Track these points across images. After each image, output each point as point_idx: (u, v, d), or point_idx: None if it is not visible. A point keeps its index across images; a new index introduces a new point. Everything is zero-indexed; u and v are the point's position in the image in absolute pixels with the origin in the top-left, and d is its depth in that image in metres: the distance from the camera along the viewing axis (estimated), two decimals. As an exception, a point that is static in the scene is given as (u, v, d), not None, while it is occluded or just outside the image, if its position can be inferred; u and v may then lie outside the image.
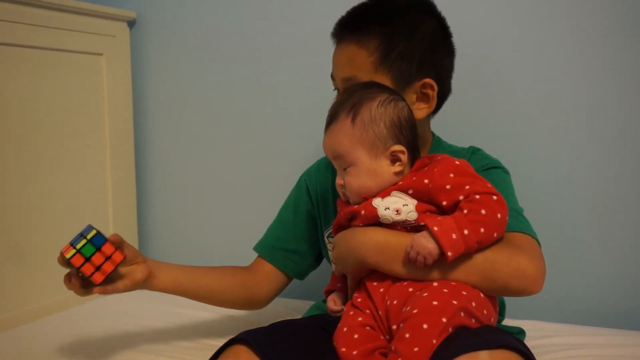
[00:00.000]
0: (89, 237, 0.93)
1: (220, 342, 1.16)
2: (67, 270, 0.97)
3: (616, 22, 1.25)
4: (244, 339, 0.82)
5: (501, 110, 1.35)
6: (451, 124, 1.23)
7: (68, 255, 0.92)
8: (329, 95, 1.10)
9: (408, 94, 1.02)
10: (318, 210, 1.18)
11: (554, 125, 1.32)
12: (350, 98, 0.93)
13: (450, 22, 1.09)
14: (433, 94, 1.02)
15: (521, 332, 1.11)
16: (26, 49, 1.35)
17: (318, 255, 1.21)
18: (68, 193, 1.47)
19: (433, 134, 1.13)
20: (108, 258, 0.94)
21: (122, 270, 0.99)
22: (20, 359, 1.11)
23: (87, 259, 0.93)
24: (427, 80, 1.02)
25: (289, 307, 1.41)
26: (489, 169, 1.04)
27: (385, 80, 1.01)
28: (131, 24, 1.65)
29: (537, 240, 0.95)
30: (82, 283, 0.96)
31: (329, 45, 1.10)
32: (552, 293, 1.09)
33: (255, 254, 1.21)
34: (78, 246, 0.92)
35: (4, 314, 1.33)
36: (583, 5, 1.27)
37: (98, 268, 0.94)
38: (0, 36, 1.29)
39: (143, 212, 1.74)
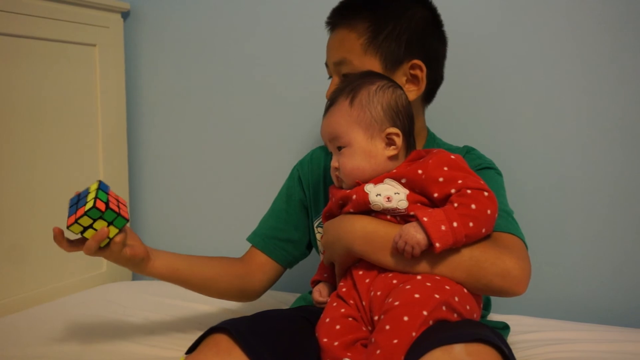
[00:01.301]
0: (94, 186, 0.93)
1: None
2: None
3: (615, 20, 1.25)
4: (224, 327, 0.82)
5: (497, 110, 1.35)
6: (447, 123, 1.24)
7: (90, 204, 0.89)
8: (325, 90, 1.10)
9: (397, 75, 1.04)
10: (309, 200, 1.18)
11: (549, 125, 1.31)
12: (350, 83, 0.95)
13: (446, 19, 1.10)
14: (422, 75, 1.04)
15: (506, 327, 1.12)
16: (19, 39, 1.35)
17: (309, 244, 1.22)
18: (59, 184, 1.46)
19: (428, 130, 1.14)
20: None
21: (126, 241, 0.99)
22: (13, 346, 1.11)
23: (107, 202, 0.91)
24: (416, 61, 1.04)
25: (278, 300, 1.42)
26: (482, 169, 1.05)
27: (374, 61, 1.03)
28: (125, 15, 1.65)
29: (524, 242, 0.95)
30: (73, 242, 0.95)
31: (325, 39, 1.11)
32: (537, 289, 1.09)
33: (249, 246, 1.21)
34: (92, 194, 0.91)
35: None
36: (580, 3, 1.27)
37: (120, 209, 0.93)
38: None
39: (135, 204, 1.74)
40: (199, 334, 1.16)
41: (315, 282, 1.04)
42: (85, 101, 1.54)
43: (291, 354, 0.83)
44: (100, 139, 1.57)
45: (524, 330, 1.17)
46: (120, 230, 0.94)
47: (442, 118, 1.24)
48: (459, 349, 0.73)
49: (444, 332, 0.77)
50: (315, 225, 1.17)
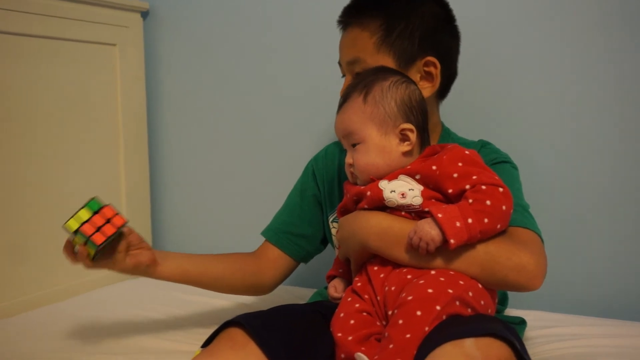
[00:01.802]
0: (88, 202, 0.95)
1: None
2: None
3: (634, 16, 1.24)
4: (239, 322, 0.84)
5: (512, 104, 1.34)
6: (460, 117, 1.24)
7: (66, 222, 0.92)
8: (338, 87, 1.10)
9: (411, 73, 1.04)
10: (324, 195, 1.19)
11: (561, 119, 1.31)
12: (363, 80, 0.96)
13: (457, 12, 1.10)
14: (436, 72, 1.04)
15: (522, 322, 1.12)
16: (40, 39, 1.37)
17: (323, 239, 1.23)
18: (81, 184, 1.48)
19: (442, 125, 1.14)
20: (108, 221, 0.94)
21: (128, 253, 1.01)
22: (32, 342, 1.13)
23: (86, 221, 0.93)
24: (430, 58, 1.04)
25: (295, 295, 1.43)
26: (498, 163, 1.04)
27: (387, 59, 1.04)
28: (144, 14, 1.67)
29: (540, 237, 0.95)
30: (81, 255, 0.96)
31: (337, 36, 1.12)
32: (554, 283, 1.09)
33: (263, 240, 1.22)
34: (78, 211, 0.93)
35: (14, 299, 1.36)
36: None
37: (98, 229, 0.93)
38: (14, 26, 1.31)
39: (156, 203, 1.76)
40: (214, 328, 1.19)
41: (330, 278, 1.05)
42: (106, 100, 1.56)
43: (305, 349, 0.84)
44: (121, 138, 1.59)
45: (542, 325, 1.17)
46: (103, 245, 0.94)
47: (455, 112, 1.23)
48: (469, 343, 0.74)
49: (455, 326, 0.78)
50: (331, 220, 1.18)
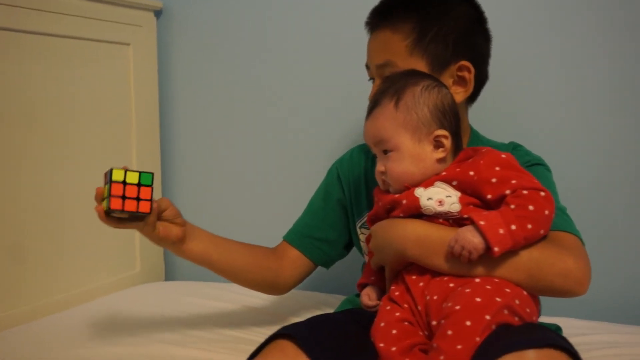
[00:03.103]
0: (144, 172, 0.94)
1: (242, 334, 1.18)
2: None
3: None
4: (288, 333, 0.81)
5: (539, 105, 1.33)
6: (486, 119, 1.21)
7: (115, 169, 0.91)
8: (360, 90, 1.08)
9: (444, 77, 1.01)
10: (350, 199, 1.16)
11: (590, 122, 1.29)
12: (393, 85, 0.92)
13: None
14: (470, 76, 1.02)
15: (558, 329, 1.09)
16: (54, 38, 1.34)
17: (347, 244, 1.20)
18: (93, 183, 1.45)
19: (471, 128, 1.12)
20: (139, 200, 0.93)
21: (161, 223, 0.99)
22: (49, 348, 1.10)
23: (126, 182, 0.92)
24: (464, 62, 1.01)
25: (316, 301, 1.40)
26: (532, 165, 1.02)
27: (420, 63, 1.01)
28: (157, 13, 1.64)
29: (581, 240, 0.93)
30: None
31: (362, 37, 1.09)
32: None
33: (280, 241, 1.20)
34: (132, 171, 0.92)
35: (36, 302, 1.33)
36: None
37: (125, 198, 0.92)
38: (27, 24, 1.28)
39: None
40: (236, 336, 1.16)
41: (361, 286, 1.02)
42: (119, 100, 1.53)
43: (352, 360, 0.81)
44: (134, 138, 1.56)
45: (577, 332, 1.14)
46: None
47: (482, 114, 1.21)
48: (531, 355, 0.71)
49: (511, 337, 0.75)
50: (358, 225, 1.15)
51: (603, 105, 1.28)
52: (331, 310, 1.30)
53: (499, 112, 1.32)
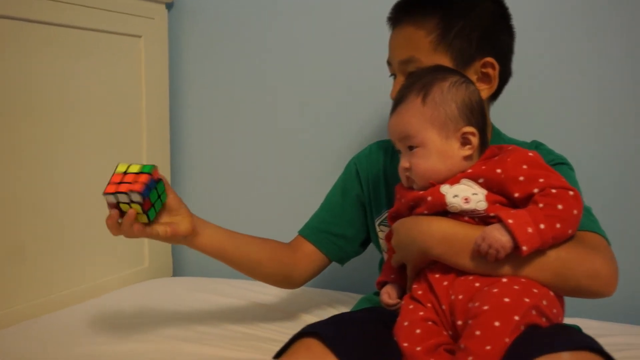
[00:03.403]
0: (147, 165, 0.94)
1: (254, 331, 1.17)
2: None
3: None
4: (314, 332, 0.79)
5: (560, 104, 1.32)
6: (506, 117, 1.21)
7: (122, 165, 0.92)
8: (371, 86, 1.07)
9: (468, 74, 0.99)
10: (368, 196, 1.15)
11: (610, 121, 1.28)
12: (419, 80, 0.91)
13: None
14: (494, 73, 1.01)
15: (579, 330, 1.08)
16: (66, 28, 1.32)
17: (364, 241, 1.19)
18: (104, 176, 1.43)
19: (493, 126, 1.10)
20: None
21: (166, 219, 0.97)
22: (57, 344, 1.09)
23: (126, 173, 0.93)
24: (488, 59, 1.00)
25: (328, 298, 1.39)
26: (556, 164, 1.00)
27: (444, 59, 1.00)
28: (169, 5, 1.62)
29: (607, 240, 0.92)
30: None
31: (377, 31, 1.08)
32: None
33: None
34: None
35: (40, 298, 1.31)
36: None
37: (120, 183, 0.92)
38: (38, 14, 1.26)
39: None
40: (249, 333, 1.15)
41: (381, 284, 1.00)
42: (130, 93, 1.51)
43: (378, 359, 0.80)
44: (144, 131, 1.55)
45: (595, 334, 1.12)
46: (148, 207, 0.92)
47: (502, 111, 1.20)
48: (566, 357, 0.70)
49: (543, 338, 0.74)
50: (377, 223, 1.14)
51: (626, 105, 1.27)
52: (344, 308, 1.30)
53: (518, 110, 1.31)
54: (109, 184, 0.92)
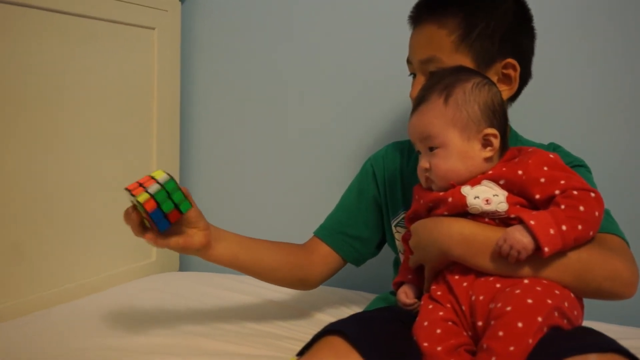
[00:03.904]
0: (163, 183, 0.89)
1: (269, 328, 1.16)
2: None
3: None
4: (339, 330, 0.79)
5: (573, 107, 1.32)
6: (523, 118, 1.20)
7: (141, 199, 0.86)
8: (389, 84, 1.05)
9: (489, 75, 0.99)
10: (385, 197, 1.15)
11: (628, 124, 1.28)
12: (442, 80, 0.91)
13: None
14: (515, 75, 1.00)
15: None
16: (79, 18, 1.31)
17: (379, 243, 1.19)
18: (114, 166, 1.43)
19: (510, 128, 1.10)
20: (175, 206, 0.90)
21: (182, 228, 0.95)
22: (63, 337, 1.08)
23: (158, 204, 0.88)
24: (510, 60, 1.00)
25: (340, 297, 1.38)
26: (574, 167, 1.00)
27: (465, 60, 0.99)
28: (182, -2, 1.62)
29: (627, 242, 0.92)
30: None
31: (392, 28, 1.07)
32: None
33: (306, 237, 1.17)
34: (152, 191, 0.88)
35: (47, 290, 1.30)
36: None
37: (164, 215, 0.89)
38: (53, 3, 1.25)
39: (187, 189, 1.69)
40: (263, 330, 1.15)
41: (398, 284, 1.00)
42: (142, 85, 1.50)
43: (402, 359, 0.80)
44: (155, 123, 1.54)
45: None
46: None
47: (518, 113, 1.20)
48: (593, 358, 0.70)
49: (569, 339, 0.74)
50: (394, 224, 1.13)
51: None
52: (356, 307, 1.30)
53: (535, 112, 1.31)
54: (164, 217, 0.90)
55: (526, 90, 1.09)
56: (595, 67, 1.29)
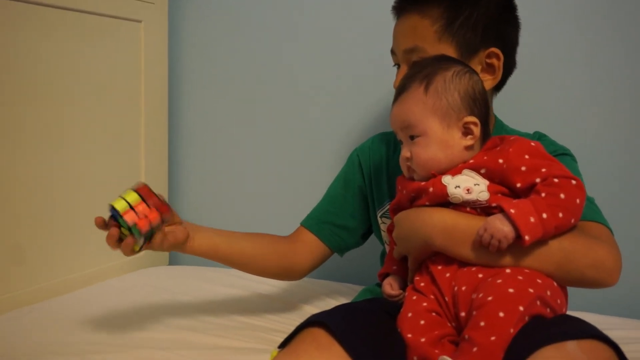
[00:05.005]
0: (135, 187, 0.91)
1: (257, 321, 1.16)
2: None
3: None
4: (321, 321, 0.79)
5: (559, 97, 1.32)
6: (509, 109, 1.20)
7: (113, 202, 0.89)
8: (376, 76, 1.05)
9: (473, 64, 0.99)
10: (370, 187, 1.15)
11: (613, 114, 1.28)
12: (422, 69, 0.90)
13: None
14: (499, 64, 1.00)
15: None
16: (65, 11, 1.30)
17: (365, 233, 1.19)
18: (101, 163, 1.43)
19: (496, 117, 1.10)
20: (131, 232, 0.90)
21: (167, 231, 0.96)
22: (53, 331, 1.08)
23: (132, 207, 0.89)
24: (493, 49, 1.00)
25: (328, 289, 1.38)
26: (558, 155, 1.00)
27: (449, 49, 0.99)
28: (169, -10, 1.61)
29: (611, 230, 0.92)
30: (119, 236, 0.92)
31: (378, 22, 1.07)
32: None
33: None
34: (124, 195, 0.90)
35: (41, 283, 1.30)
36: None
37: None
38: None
39: (174, 185, 1.70)
40: (251, 323, 1.14)
41: (383, 275, 1.00)
42: (129, 78, 1.49)
43: (385, 350, 0.80)
44: (143, 117, 1.53)
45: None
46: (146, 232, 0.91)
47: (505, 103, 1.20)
48: (572, 346, 0.70)
49: (548, 328, 0.74)
50: (379, 215, 1.13)
51: (630, 98, 1.27)
52: (344, 299, 1.30)
53: (521, 102, 1.30)
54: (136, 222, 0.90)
55: (512, 80, 1.09)
56: (582, 56, 1.29)
